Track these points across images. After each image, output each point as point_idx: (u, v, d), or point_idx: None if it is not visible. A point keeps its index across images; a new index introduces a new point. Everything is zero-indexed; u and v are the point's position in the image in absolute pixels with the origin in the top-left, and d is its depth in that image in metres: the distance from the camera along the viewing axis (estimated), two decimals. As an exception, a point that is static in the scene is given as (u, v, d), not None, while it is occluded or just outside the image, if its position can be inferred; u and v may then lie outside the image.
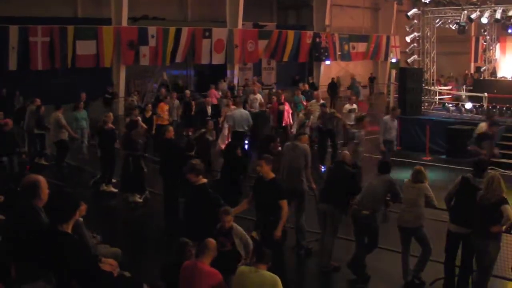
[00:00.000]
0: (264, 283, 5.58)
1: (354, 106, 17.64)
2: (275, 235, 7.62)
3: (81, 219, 7.31)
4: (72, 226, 4.63)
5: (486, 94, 19.11)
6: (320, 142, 16.29)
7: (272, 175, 8.00)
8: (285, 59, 30.05)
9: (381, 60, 35.48)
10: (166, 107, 17.75)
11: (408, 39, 21.92)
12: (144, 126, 14.48)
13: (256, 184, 8.23)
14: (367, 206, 8.31)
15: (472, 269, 7.49)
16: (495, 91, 19.60)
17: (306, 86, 23.75)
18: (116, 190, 12.92)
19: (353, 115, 16.99)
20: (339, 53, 32.45)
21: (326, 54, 31.32)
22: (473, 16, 19.86)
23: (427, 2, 21.03)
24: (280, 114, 18.17)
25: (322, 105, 16.86)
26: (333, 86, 28.30)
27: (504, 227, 7.09)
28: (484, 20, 20.28)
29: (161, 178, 11.31)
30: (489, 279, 7.42)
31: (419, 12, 21.44)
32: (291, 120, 18.56)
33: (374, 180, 8.62)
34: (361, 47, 33.58)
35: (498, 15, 19.51)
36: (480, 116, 18.36)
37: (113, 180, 13.15)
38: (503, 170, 14.41)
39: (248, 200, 8.24)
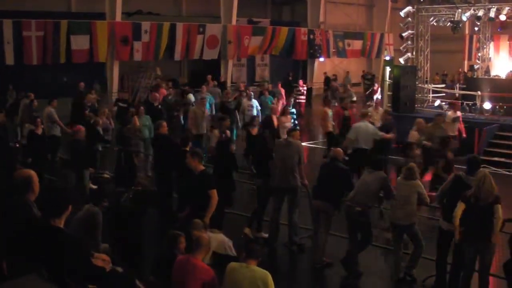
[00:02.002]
0: (255, 278, 5.59)
1: (458, 113, 15.37)
2: (204, 223, 7.37)
3: (98, 210, 7.43)
4: (64, 220, 4.62)
5: (479, 92, 19.16)
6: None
7: (201, 167, 7.98)
8: (275, 53, 29.86)
9: (374, 58, 35.46)
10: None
11: (402, 36, 21.94)
12: (138, 123, 13.72)
13: (189, 179, 8.23)
14: (360, 203, 8.34)
15: (466, 267, 7.46)
16: (488, 89, 19.66)
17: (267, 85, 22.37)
18: (95, 187, 12.22)
19: (457, 125, 14.94)
20: (334, 50, 32.42)
21: (320, 51, 31.30)
22: (467, 14, 19.91)
23: (421, 0, 21.07)
24: (346, 119, 15.04)
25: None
26: (289, 84, 25.85)
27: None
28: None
29: (155, 173, 11.27)
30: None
31: (413, 10, 21.47)
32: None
33: (367, 177, 8.62)
34: (356, 44, 33.56)
35: (492, 14, 19.57)
36: (473, 114, 18.43)
37: (107, 176, 13.13)
38: (494, 168, 14.49)
39: None
